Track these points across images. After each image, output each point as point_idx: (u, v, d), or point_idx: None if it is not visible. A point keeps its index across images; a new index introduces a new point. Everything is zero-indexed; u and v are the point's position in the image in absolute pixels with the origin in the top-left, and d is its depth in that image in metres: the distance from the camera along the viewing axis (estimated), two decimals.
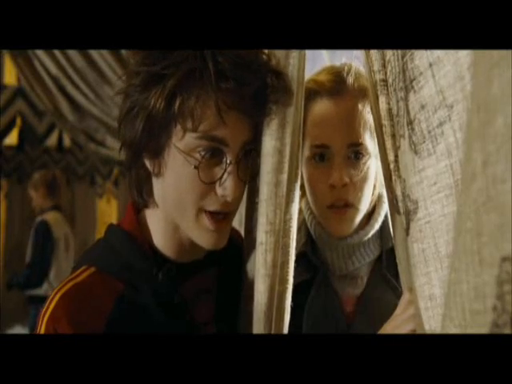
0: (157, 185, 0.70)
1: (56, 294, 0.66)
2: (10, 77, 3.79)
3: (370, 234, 0.80)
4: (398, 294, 0.64)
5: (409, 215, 0.52)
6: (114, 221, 0.79)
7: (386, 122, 0.57)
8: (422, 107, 0.47)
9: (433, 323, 0.50)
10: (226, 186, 0.65)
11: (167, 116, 0.64)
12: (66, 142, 4.09)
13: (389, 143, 0.57)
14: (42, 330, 0.64)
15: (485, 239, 0.32)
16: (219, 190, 0.65)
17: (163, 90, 0.63)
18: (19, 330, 2.90)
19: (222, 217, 0.67)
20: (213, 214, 0.66)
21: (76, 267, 0.70)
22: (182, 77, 0.62)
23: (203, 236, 0.67)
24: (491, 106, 0.32)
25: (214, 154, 0.65)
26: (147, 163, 0.68)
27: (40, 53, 3.03)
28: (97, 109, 3.09)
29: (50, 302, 0.65)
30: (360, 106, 0.76)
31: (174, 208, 0.68)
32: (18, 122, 3.83)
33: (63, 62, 3.02)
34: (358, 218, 0.78)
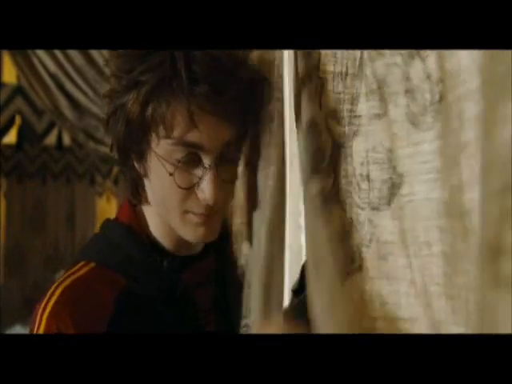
0: (147, 184, 0.71)
1: (55, 289, 0.66)
2: (9, 75, 3.78)
3: None
4: None
5: (393, 188, 0.50)
6: None
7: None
8: (428, 77, 0.45)
9: (414, 311, 0.48)
10: (205, 190, 0.64)
11: (143, 122, 0.64)
12: (66, 140, 4.08)
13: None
14: (41, 326, 0.64)
15: None
16: (199, 194, 0.65)
17: (138, 97, 0.63)
18: (19, 329, 2.89)
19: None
20: (199, 214, 0.67)
21: (74, 263, 0.70)
22: (155, 84, 0.62)
23: (191, 231, 0.68)
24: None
25: (192, 158, 0.65)
26: (135, 164, 0.69)
27: (39, 51, 3.02)
28: (96, 107, 3.08)
29: (50, 298, 0.65)
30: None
31: (161, 208, 0.69)
32: (17, 120, 3.82)
33: (62, 60, 3.01)
34: None
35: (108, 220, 0.76)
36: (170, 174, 0.64)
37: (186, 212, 0.67)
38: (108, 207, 4.37)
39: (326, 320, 0.52)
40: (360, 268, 0.53)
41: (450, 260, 0.45)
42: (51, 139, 4.00)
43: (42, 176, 3.96)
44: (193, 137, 0.63)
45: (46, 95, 3.12)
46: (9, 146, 3.83)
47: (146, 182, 0.71)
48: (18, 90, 3.70)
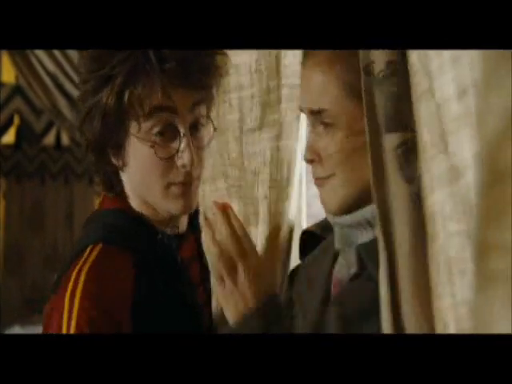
0: (124, 177, 0.78)
1: (78, 275, 0.70)
2: (8, 75, 3.77)
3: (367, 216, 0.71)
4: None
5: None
6: None
7: None
8: None
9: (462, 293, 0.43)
10: (183, 156, 0.73)
11: (120, 111, 0.72)
12: (65, 140, 4.07)
13: None
14: (74, 310, 0.68)
15: None
16: (179, 162, 0.73)
17: (113, 89, 0.71)
18: (18, 330, 2.89)
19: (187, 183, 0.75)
20: (178, 184, 0.74)
21: (79, 251, 0.74)
22: (128, 71, 0.70)
23: (172, 203, 0.75)
24: None
25: (168, 129, 0.73)
26: (113, 159, 0.76)
27: (38, 51, 3.01)
28: None
29: (76, 283, 0.69)
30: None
31: (142, 189, 0.76)
32: (16, 120, 3.81)
33: (61, 59, 3.00)
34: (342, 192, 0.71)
35: (95, 211, 0.83)
36: (151, 146, 0.72)
37: (168, 185, 0.74)
38: None
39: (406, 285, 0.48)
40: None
41: None
42: (50, 139, 3.99)
43: (41, 176, 3.96)
44: (166, 102, 0.72)
45: (45, 95, 3.11)
46: (7, 146, 3.82)
47: (123, 175, 0.78)
48: (17, 90, 3.69)
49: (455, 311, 0.40)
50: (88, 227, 0.80)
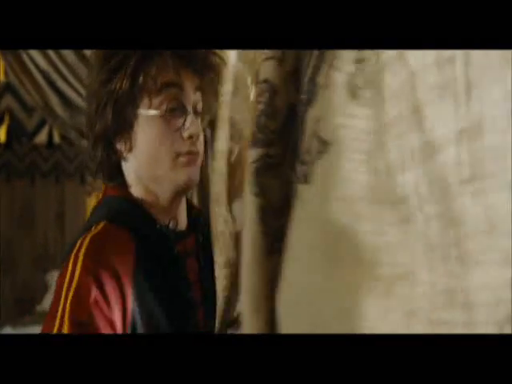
0: (126, 166, 0.82)
1: (82, 243, 0.75)
2: None
3: None
4: None
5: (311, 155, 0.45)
6: None
7: None
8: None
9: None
10: (189, 127, 0.78)
11: (133, 91, 0.76)
12: (56, 138, 4.04)
13: None
14: (77, 269, 0.72)
15: None
16: (185, 133, 0.79)
17: (126, 71, 0.75)
18: (10, 330, 2.86)
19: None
20: (185, 154, 0.79)
21: (84, 231, 0.78)
22: (143, 55, 0.75)
23: (179, 174, 0.79)
24: None
25: (175, 106, 0.79)
26: (119, 146, 0.80)
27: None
28: None
29: (79, 249, 0.74)
30: None
31: (150, 165, 0.79)
32: (7, 118, 3.77)
33: (53, 56, 2.98)
34: None
35: (100, 199, 0.85)
36: (161, 116, 0.78)
37: (176, 156, 0.79)
38: None
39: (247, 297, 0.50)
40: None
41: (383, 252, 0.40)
42: (41, 138, 3.96)
43: (32, 175, 3.92)
44: (176, 79, 0.79)
45: (37, 92, 3.08)
46: None
47: (123, 164, 0.82)
48: (7, 87, 3.65)
49: (431, 299, 0.37)
50: (94, 213, 0.84)
